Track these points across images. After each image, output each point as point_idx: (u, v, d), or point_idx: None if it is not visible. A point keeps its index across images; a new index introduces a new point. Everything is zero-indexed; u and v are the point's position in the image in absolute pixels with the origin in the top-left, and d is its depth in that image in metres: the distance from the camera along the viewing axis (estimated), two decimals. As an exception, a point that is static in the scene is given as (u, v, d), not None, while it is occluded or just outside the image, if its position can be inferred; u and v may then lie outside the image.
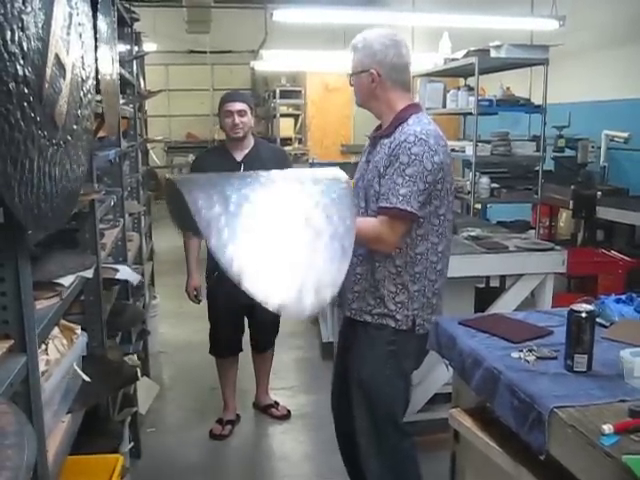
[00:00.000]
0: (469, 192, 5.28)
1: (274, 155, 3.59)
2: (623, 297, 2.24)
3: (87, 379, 1.94)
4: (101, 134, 2.84)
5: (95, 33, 1.97)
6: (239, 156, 3.47)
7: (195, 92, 13.71)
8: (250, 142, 3.52)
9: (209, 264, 3.47)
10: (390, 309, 2.32)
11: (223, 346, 3.69)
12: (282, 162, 3.58)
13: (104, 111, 2.47)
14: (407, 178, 2.19)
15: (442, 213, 2.29)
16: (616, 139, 5.64)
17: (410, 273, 2.30)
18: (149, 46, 7.84)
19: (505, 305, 3.30)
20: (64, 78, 1.41)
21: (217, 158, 3.53)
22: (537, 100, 5.17)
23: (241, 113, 3.41)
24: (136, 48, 4.84)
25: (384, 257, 2.31)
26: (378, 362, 2.38)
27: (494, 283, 3.91)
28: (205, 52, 12.86)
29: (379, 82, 2.33)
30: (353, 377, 2.48)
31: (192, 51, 13.20)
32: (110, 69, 2.67)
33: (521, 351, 1.89)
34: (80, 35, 1.58)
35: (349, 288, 2.38)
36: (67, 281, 1.78)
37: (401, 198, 2.19)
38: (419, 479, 2.48)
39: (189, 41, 12.63)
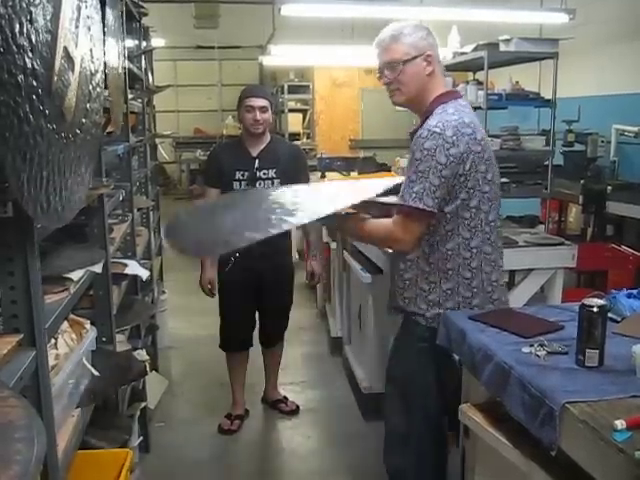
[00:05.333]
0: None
1: (289, 152, 3.59)
2: (635, 292, 2.22)
3: (96, 373, 1.95)
4: (110, 129, 2.84)
5: (103, 26, 1.96)
6: (255, 151, 3.48)
7: (203, 87, 13.74)
8: (266, 138, 3.52)
9: (222, 255, 3.45)
10: (421, 307, 2.31)
11: (234, 341, 3.69)
12: (297, 159, 3.58)
13: (110, 105, 2.46)
14: (419, 174, 2.15)
15: (474, 205, 2.21)
16: (626, 133, 5.59)
17: (442, 270, 2.26)
18: (157, 41, 7.84)
19: (515, 300, 3.27)
20: (73, 71, 1.41)
21: (232, 152, 3.54)
22: (546, 94, 5.13)
23: (263, 109, 3.41)
24: (144, 43, 4.83)
25: (417, 255, 2.29)
26: (408, 357, 2.41)
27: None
28: (213, 47, 12.85)
29: (433, 65, 2.28)
30: (386, 370, 2.56)
31: (200, 46, 13.19)
32: (117, 63, 2.67)
33: (532, 346, 1.87)
34: (89, 28, 1.58)
35: (396, 285, 2.41)
36: (76, 275, 1.78)
37: (414, 195, 2.15)
38: (441, 475, 2.49)
39: (197, 36, 12.64)
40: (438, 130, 2.14)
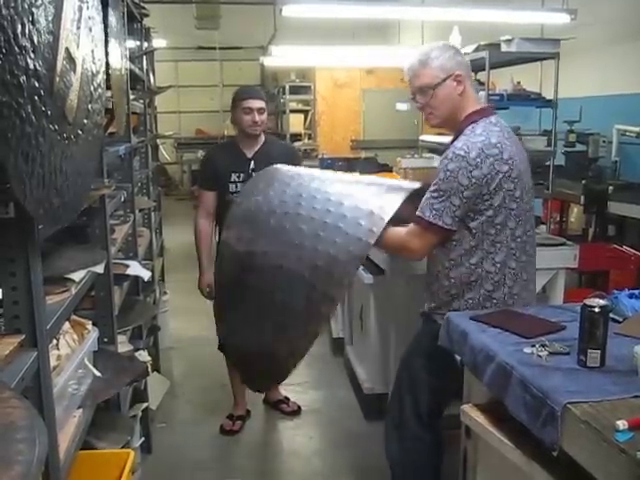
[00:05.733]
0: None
1: (284, 152, 3.58)
2: (636, 292, 2.22)
3: (98, 374, 1.95)
4: (111, 130, 2.84)
5: (105, 27, 1.96)
6: (249, 152, 3.48)
7: (204, 88, 13.74)
8: (261, 139, 3.52)
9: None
10: (442, 310, 2.37)
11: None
12: (292, 159, 3.58)
13: (114, 106, 2.46)
14: (441, 193, 2.21)
15: (499, 222, 2.26)
16: (628, 134, 5.58)
17: (465, 283, 2.33)
18: (159, 42, 7.85)
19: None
20: (74, 72, 1.41)
21: (227, 154, 3.53)
22: (548, 95, 5.13)
23: (261, 111, 3.41)
24: (146, 44, 4.84)
25: (442, 268, 2.36)
26: (413, 354, 2.51)
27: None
28: (214, 48, 12.86)
29: (464, 83, 2.30)
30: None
31: (201, 47, 13.21)
32: (119, 64, 2.67)
33: (533, 346, 1.87)
34: (90, 29, 1.58)
35: (424, 297, 2.52)
36: (78, 276, 1.78)
37: (434, 212, 2.22)
38: (435, 473, 2.52)
39: (198, 37, 12.65)
40: (462, 153, 2.19)
